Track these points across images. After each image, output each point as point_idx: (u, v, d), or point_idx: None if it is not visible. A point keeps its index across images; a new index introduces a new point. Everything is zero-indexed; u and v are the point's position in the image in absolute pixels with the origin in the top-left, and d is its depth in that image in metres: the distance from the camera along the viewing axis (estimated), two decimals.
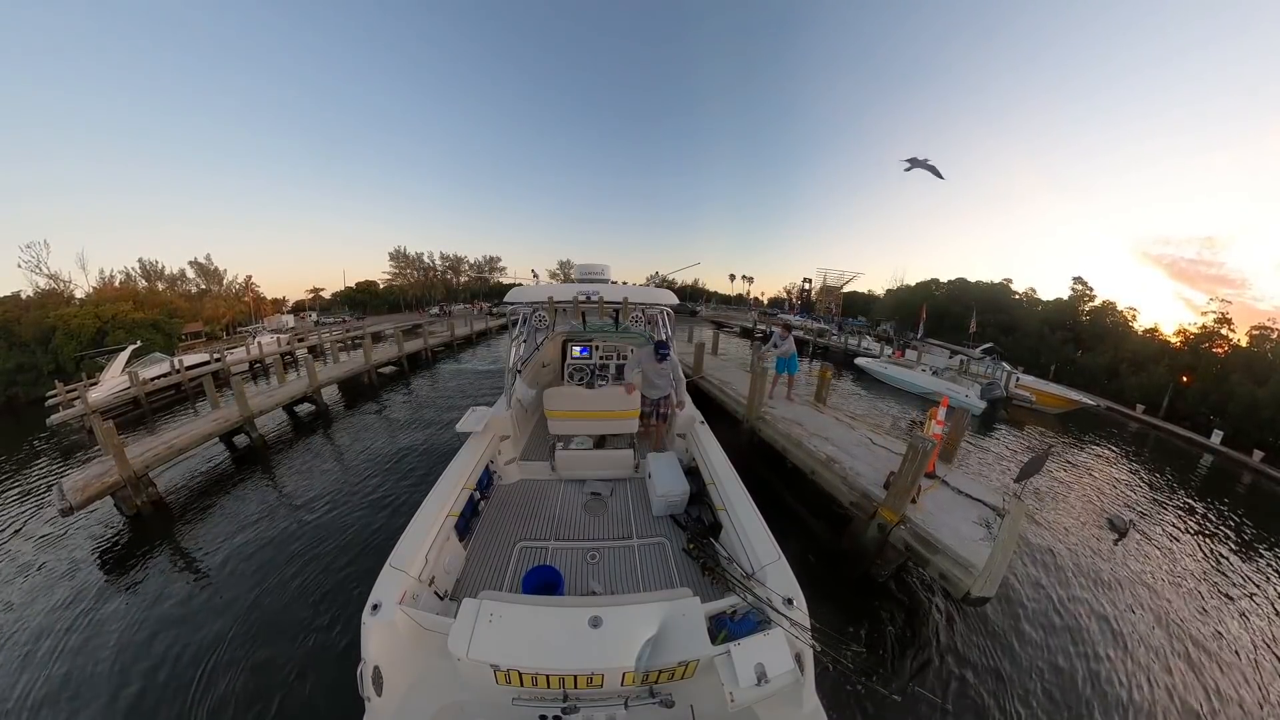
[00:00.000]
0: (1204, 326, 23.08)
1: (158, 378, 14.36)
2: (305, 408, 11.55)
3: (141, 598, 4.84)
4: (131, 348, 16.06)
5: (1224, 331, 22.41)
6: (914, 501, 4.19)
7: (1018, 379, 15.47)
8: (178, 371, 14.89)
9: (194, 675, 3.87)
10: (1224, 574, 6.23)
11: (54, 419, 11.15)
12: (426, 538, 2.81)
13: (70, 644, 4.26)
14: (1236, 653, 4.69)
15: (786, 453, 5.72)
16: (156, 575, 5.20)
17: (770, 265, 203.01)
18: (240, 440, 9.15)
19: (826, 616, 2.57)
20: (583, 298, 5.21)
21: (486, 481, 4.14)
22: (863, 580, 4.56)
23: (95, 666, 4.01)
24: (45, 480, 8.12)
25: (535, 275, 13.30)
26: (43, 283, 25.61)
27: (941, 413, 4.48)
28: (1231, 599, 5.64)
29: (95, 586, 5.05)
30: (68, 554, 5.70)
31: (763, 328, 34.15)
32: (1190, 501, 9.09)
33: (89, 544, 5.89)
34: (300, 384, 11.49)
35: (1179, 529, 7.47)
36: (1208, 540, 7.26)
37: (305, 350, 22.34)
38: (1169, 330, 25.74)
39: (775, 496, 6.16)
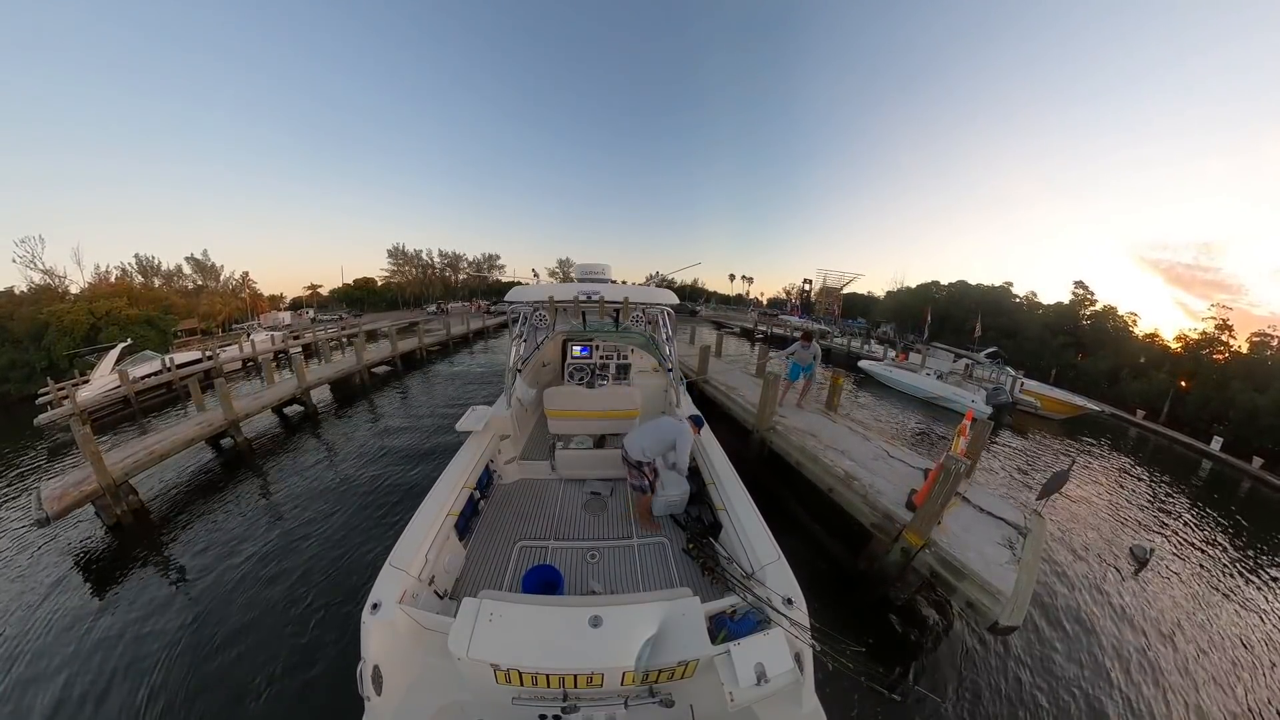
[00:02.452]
0: (1204, 333, 23.07)
1: (147, 376, 14.04)
2: (295, 409, 11.27)
3: (119, 610, 4.63)
4: (122, 345, 15.71)
5: (1224, 338, 22.40)
6: (938, 522, 3.97)
7: (1022, 384, 15.30)
8: (168, 370, 14.56)
9: (179, 684, 3.73)
10: (1242, 588, 6.11)
11: (41, 419, 10.85)
12: (426, 537, 2.79)
13: (38, 660, 4.05)
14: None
15: (801, 467, 5.48)
16: (136, 587, 4.98)
17: (770, 266, 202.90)
18: (227, 443, 8.87)
19: (829, 620, 2.50)
20: (583, 297, 5.15)
21: (486, 481, 4.12)
22: (880, 602, 4.36)
23: (67, 680, 3.82)
24: (27, 485, 7.82)
25: (536, 275, 13.11)
26: (37, 278, 25.23)
27: (968, 428, 4.27)
28: (1253, 613, 5.51)
29: (70, 602, 4.80)
30: (41, 568, 5.42)
31: (764, 328, 33.95)
32: (1196, 509, 9.00)
33: (65, 556, 5.61)
34: (289, 385, 11.19)
35: (1190, 542, 7.37)
36: (1220, 550, 7.18)
37: (299, 349, 22.01)
38: (1169, 335, 25.85)
39: (789, 513, 5.91)
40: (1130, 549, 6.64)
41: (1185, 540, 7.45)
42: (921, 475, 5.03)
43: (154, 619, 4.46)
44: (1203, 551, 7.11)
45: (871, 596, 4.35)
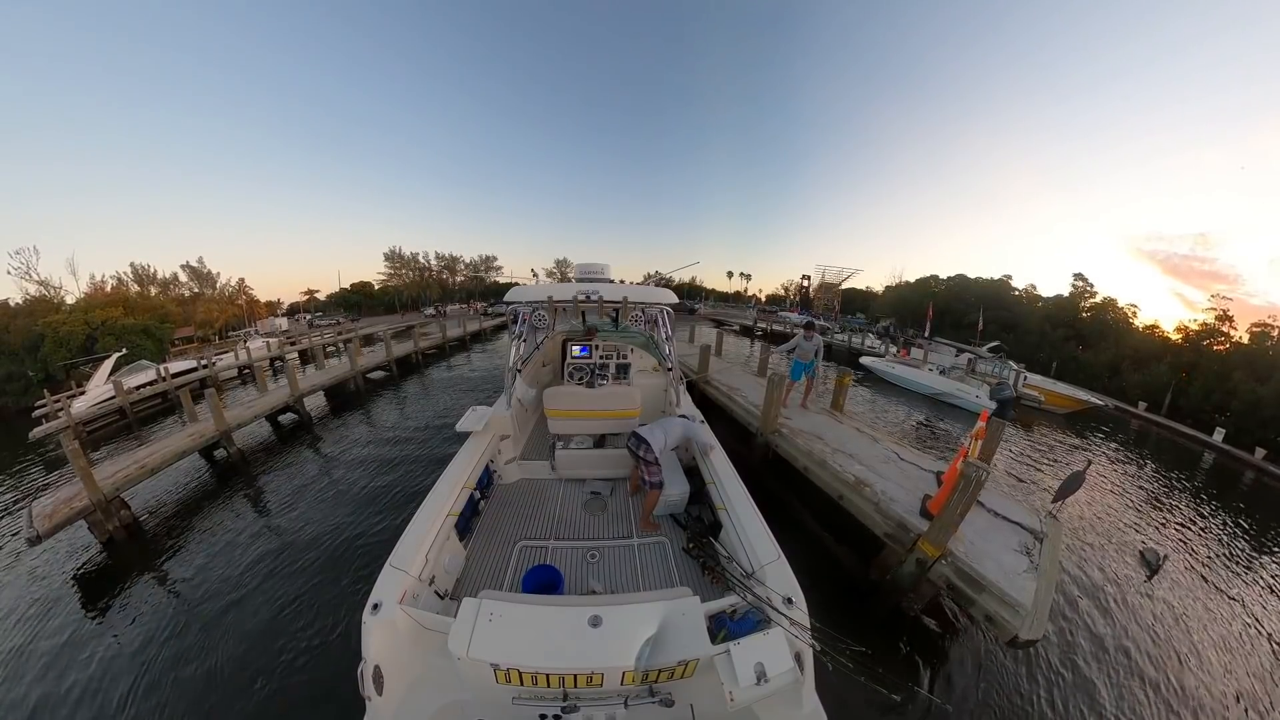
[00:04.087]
0: (1204, 324, 22.99)
1: (142, 386, 13.87)
2: (290, 417, 11.12)
3: (111, 629, 4.53)
4: (116, 355, 15.54)
5: (1225, 329, 22.33)
6: (955, 532, 3.85)
7: (1025, 379, 15.19)
8: (163, 379, 14.39)
9: (175, 696, 3.69)
10: (1261, 590, 5.98)
11: (36, 432, 10.68)
12: (427, 537, 2.80)
13: (19, 681, 3.97)
14: None
15: (809, 473, 5.33)
16: (130, 605, 4.88)
17: (768, 263, 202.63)
18: (220, 454, 8.74)
19: (830, 621, 2.46)
20: (583, 297, 5.09)
21: (486, 481, 4.14)
22: (892, 613, 4.24)
23: (54, 701, 3.73)
24: (21, 502, 7.64)
25: (535, 275, 12.96)
26: (33, 289, 25.10)
27: (985, 430, 4.13)
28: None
29: (59, 623, 4.67)
30: (30, 588, 5.28)
31: (763, 326, 33.78)
32: (1205, 504, 8.93)
33: (56, 575, 5.47)
34: (281, 393, 11.01)
35: (1202, 541, 7.21)
36: (1235, 549, 7.05)
37: (295, 355, 21.79)
38: (1168, 327, 25.81)
39: (795, 520, 5.74)
40: (1141, 552, 6.43)
41: (1196, 539, 7.30)
42: (934, 479, 4.92)
43: (147, 636, 4.37)
44: (1216, 552, 6.92)
45: (883, 608, 4.23)
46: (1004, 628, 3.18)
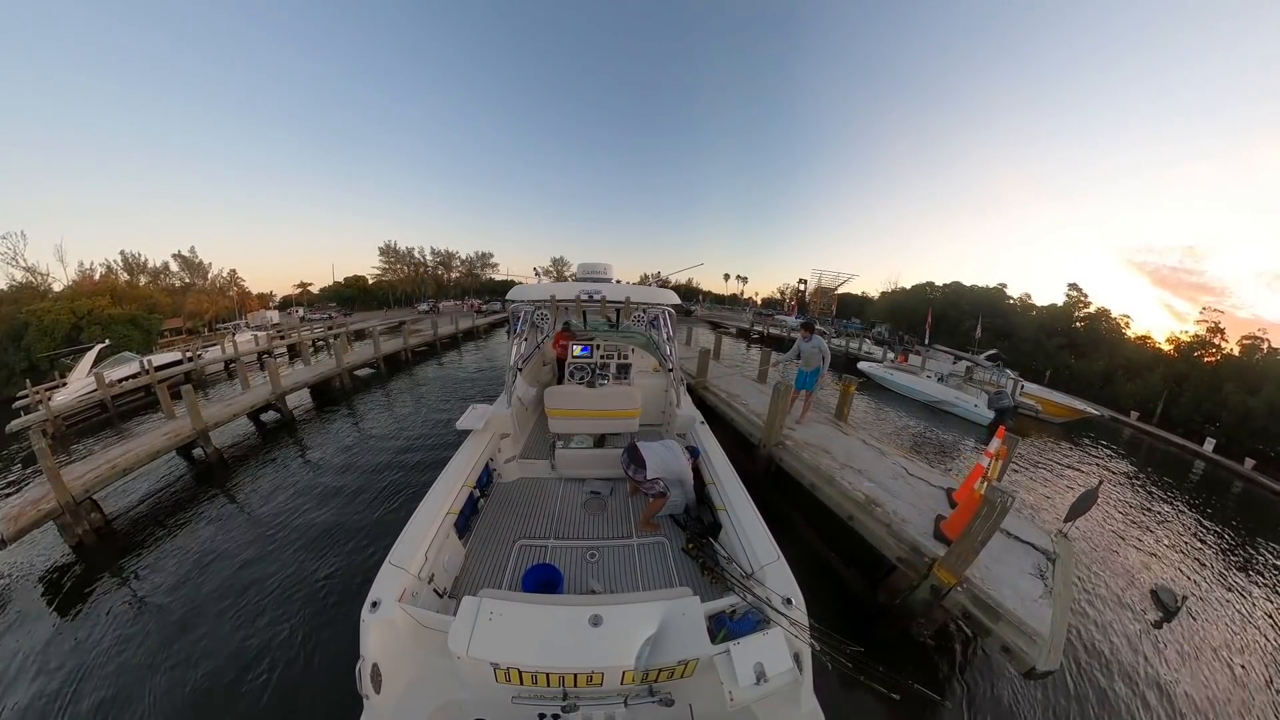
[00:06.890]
0: (1196, 335, 23.28)
1: (125, 379, 13.50)
2: (272, 416, 10.79)
3: (79, 640, 4.30)
4: (100, 346, 15.13)
5: (1216, 340, 22.60)
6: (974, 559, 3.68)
7: (1023, 387, 15.19)
8: (147, 372, 14.01)
9: (151, 708, 3.54)
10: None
11: (14, 425, 10.32)
12: (426, 535, 2.77)
13: None
14: None
15: (816, 490, 5.13)
16: (99, 612, 4.65)
17: (765, 266, 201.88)
18: (198, 454, 8.44)
19: (828, 621, 2.41)
20: (585, 296, 5.09)
21: (486, 479, 4.12)
22: (901, 637, 4.08)
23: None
24: None
25: (538, 273, 12.75)
26: (19, 275, 24.46)
27: (994, 445, 3.97)
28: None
29: (22, 636, 4.40)
30: None
31: (760, 329, 33.68)
32: (1203, 516, 8.85)
33: (20, 584, 5.18)
34: (263, 390, 10.62)
35: (1218, 571, 6.92)
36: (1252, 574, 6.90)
37: (284, 350, 21.39)
38: (1158, 337, 26.17)
39: (801, 539, 5.49)
40: (1153, 590, 5.87)
41: (1201, 557, 7.14)
42: (944, 496, 4.77)
43: (118, 644, 4.18)
44: (1225, 574, 6.61)
45: (891, 632, 4.07)
46: (1021, 659, 3.03)
